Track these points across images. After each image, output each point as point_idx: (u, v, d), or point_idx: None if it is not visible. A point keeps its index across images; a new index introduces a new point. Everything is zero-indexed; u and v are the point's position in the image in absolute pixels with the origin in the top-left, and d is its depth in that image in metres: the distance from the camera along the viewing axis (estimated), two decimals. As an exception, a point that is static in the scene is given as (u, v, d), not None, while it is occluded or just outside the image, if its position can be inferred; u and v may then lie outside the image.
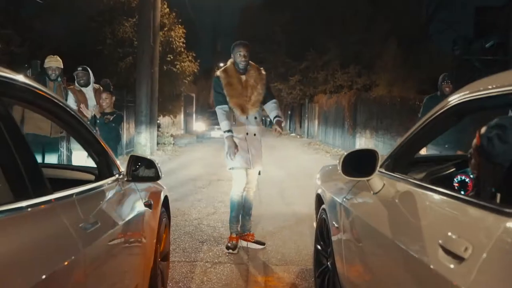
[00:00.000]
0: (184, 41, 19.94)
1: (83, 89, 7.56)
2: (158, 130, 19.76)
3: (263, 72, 5.63)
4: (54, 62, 7.12)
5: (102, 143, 2.84)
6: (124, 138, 15.94)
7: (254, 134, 5.50)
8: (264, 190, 9.25)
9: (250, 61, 5.53)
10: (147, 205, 3.33)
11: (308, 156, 17.72)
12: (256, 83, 5.47)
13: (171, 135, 22.45)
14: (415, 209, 2.12)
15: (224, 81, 5.42)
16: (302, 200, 8.74)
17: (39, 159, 6.92)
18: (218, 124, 16.98)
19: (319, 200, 4.08)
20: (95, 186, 2.58)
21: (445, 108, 2.21)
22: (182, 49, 19.81)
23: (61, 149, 10.42)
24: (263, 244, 5.72)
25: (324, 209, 3.74)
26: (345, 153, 2.57)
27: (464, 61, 38.54)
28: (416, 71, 24.46)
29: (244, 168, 5.49)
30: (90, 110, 7.19)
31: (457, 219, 1.82)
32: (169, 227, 4.22)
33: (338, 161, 2.57)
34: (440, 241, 1.70)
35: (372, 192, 2.56)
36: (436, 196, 2.05)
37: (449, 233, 1.71)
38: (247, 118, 5.45)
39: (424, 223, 1.95)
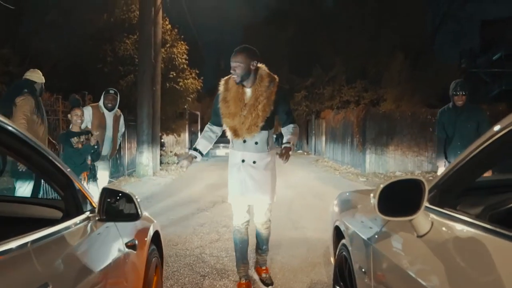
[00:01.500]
0: (187, 58, 19.43)
1: (106, 112, 7.18)
2: (161, 149, 19.20)
3: (275, 86, 4.46)
4: (41, 77, 6.49)
5: (67, 173, 2.24)
6: (126, 159, 15.42)
7: (254, 162, 4.53)
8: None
9: (266, 71, 4.52)
10: (131, 246, 2.72)
11: (317, 174, 17.10)
12: (258, 102, 4.37)
13: (175, 154, 21.87)
14: (489, 263, 1.50)
15: (221, 95, 4.57)
16: (312, 223, 8.14)
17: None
18: (223, 142, 16.45)
19: (338, 233, 3.45)
20: (55, 231, 1.98)
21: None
22: (185, 66, 19.29)
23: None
24: (270, 284, 4.85)
25: (345, 246, 3.11)
26: (382, 186, 1.93)
27: (471, 74, 38.09)
28: (423, 85, 23.94)
29: (239, 199, 4.63)
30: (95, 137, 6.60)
31: None
32: (161, 267, 3.60)
33: (372, 195, 1.95)
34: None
35: (416, 234, 1.94)
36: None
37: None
38: (244, 142, 4.53)
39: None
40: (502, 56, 43.37)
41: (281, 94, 4.55)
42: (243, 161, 4.55)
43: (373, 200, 1.91)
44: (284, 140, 4.53)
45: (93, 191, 6.20)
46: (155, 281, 3.31)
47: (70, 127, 6.48)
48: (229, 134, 4.63)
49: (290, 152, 4.40)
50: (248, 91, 4.47)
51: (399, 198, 1.90)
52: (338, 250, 3.35)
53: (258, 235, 4.90)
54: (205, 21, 48.94)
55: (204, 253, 6.22)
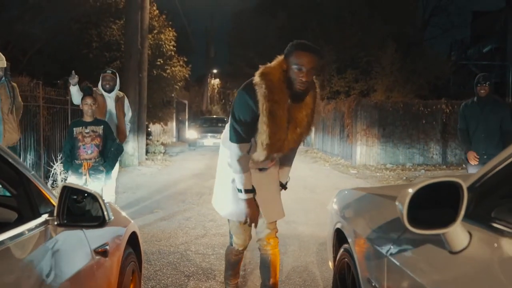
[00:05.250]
0: (175, 45, 18.95)
1: (105, 94, 6.67)
2: (148, 139, 18.75)
3: (316, 95, 3.39)
4: None
5: (19, 167, 1.83)
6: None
7: (260, 169, 3.47)
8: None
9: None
10: (101, 252, 2.33)
11: (306, 166, 16.74)
12: (305, 117, 3.29)
13: (162, 144, 21.44)
14: None
15: (265, 103, 3.07)
16: (303, 217, 7.80)
17: None
18: (211, 132, 15.90)
19: (339, 236, 3.07)
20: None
21: None
22: (173, 53, 18.81)
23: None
24: None
25: (348, 252, 2.73)
26: (411, 190, 1.53)
27: (461, 66, 37.93)
28: (414, 76, 23.67)
29: (240, 220, 3.45)
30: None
31: None
32: (139, 272, 3.19)
33: (398, 202, 1.57)
34: None
35: (449, 249, 1.56)
36: None
37: None
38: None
39: None
40: (492, 49, 43.34)
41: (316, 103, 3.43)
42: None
43: (400, 208, 1.53)
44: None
45: (96, 188, 5.66)
46: (132, 289, 2.92)
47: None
48: (260, 154, 3.30)
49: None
50: (292, 103, 3.24)
51: (428, 205, 1.52)
52: (339, 256, 2.97)
53: (262, 261, 3.61)
54: (194, 8, 48.30)
55: (190, 250, 5.82)
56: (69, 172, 5.69)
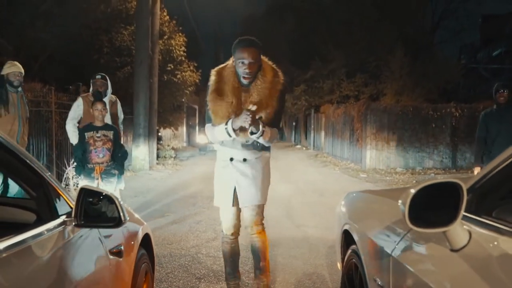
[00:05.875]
0: (185, 50, 19.09)
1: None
2: (159, 143, 18.89)
3: (280, 84, 3.76)
4: (15, 67, 6.29)
5: (39, 170, 1.92)
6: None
7: (244, 160, 3.83)
8: (269, 209, 8.28)
9: (268, 64, 3.80)
10: (116, 252, 2.41)
11: (316, 170, 16.80)
12: (262, 103, 3.64)
13: (172, 148, 21.56)
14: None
15: (212, 86, 3.75)
16: (313, 220, 7.85)
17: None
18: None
19: (347, 238, 3.13)
20: (21, 240, 1.66)
21: None
22: (183, 58, 18.96)
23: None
24: None
25: (355, 252, 2.80)
26: (413, 191, 1.62)
27: (471, 70, 37.80)
28: (424, 80, 23.64)
29: (228, 201, 3.88)
30: None
31: None
32: (152, 273, 3.28)
33: (400, 202, 1.64)
34: None
35: (450, 247, 1.63)
36: None
37: None
38: (232, 139, 3.79)
39: None
40: (502, 52, 43.14)
41: (284, 93, 3.83)
42: (231, 159, 3.85)
43: (402, 208, 1.61)
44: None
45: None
46: (145, 289, 3.00)
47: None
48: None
49: (260, 129, 3.58)
50: (245, 89, 3.73)
51: (430, 205, 1.60)
52: (347, 257, 3.04)
53: (252, 247, 4.02)
54: (203, 13, 48.53)
55: (200, 253, 5.91)
56: (82, 176, 5.79)
